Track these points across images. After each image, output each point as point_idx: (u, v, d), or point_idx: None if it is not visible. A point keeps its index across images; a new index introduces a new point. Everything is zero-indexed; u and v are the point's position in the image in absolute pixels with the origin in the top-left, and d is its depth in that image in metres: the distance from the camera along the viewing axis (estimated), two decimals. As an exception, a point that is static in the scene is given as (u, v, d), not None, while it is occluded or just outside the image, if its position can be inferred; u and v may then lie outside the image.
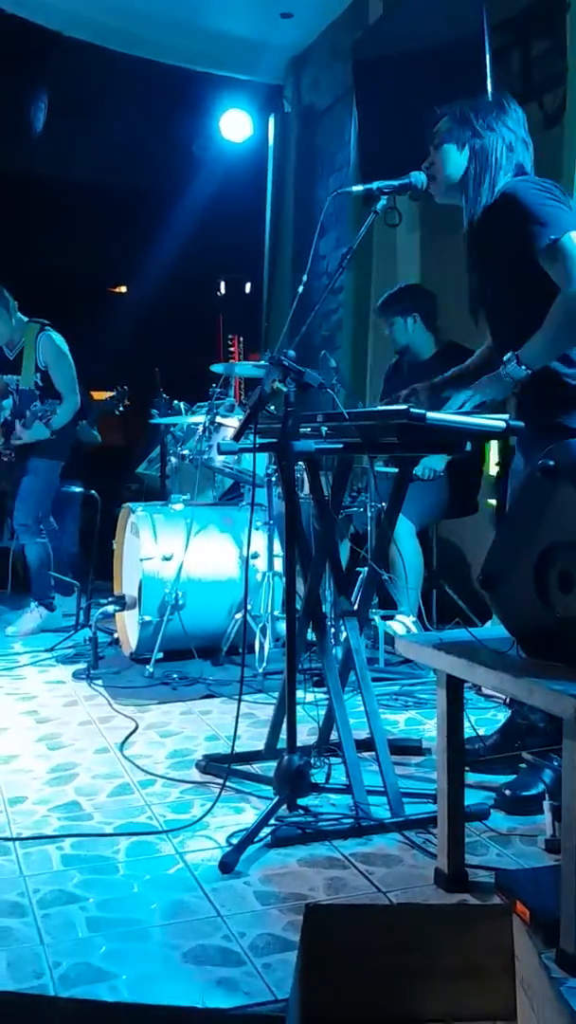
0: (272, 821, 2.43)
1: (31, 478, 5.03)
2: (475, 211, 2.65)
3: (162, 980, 1.81)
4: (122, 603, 4.36)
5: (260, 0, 6.02)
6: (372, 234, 5.96)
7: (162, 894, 2.16)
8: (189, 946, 1.92)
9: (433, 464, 4.31)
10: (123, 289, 10.06)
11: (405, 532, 4.38)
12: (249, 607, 4.29)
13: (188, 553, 4.24)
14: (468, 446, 2.46)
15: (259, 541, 4.37)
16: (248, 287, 8.03)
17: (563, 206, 2.54)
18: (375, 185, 2.63)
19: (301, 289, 2.54)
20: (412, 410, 2.18)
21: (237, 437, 2.49)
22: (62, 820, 2.58)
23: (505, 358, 2.49)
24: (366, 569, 4.33)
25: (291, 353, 2.46)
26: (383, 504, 4.23)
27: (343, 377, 4.65)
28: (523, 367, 2.48)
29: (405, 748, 3.05)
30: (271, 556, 4.27)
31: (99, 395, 6.20)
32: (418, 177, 2.66)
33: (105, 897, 2.14)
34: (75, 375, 5.08)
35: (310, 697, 3.22)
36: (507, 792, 2.60)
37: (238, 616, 4.22)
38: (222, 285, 7.87)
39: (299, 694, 3.14)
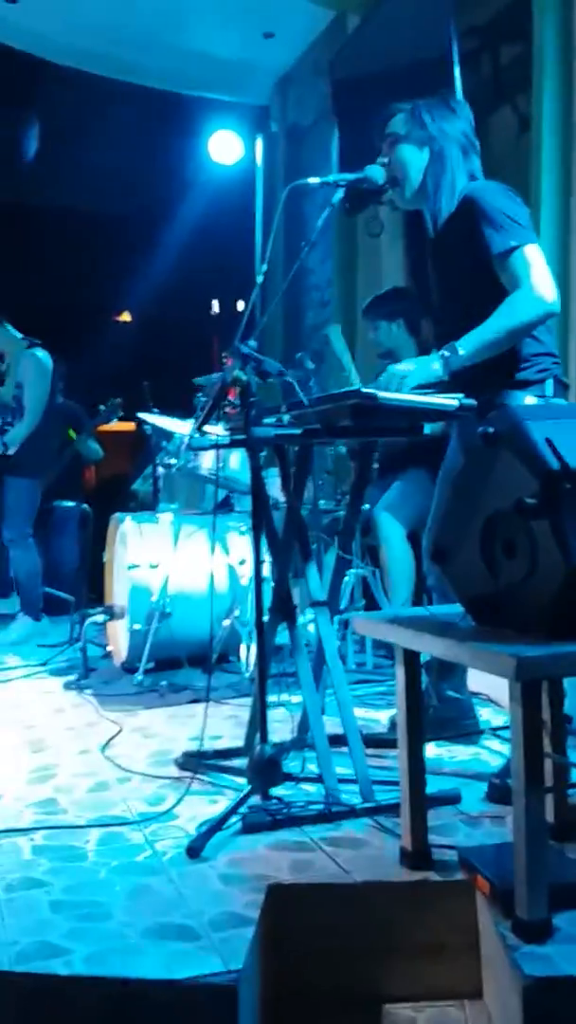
0: (243, 809, 2.43)
1: (12, 495, 5.13)
2: (439, 218, 2.67)
3: (117, 955, 1.81)
4: (111, 612, 4.38)
5: (242, 21, 6.13)
6: (356, 247, 6.02)
7: (127, 879, 2.15)
8: (147, 924, 1.92)
9: None
10: (127, 317, 10.13)
11: (395, 535, 4.37)
12: (238, 613, 4.31)
13: (176, 563, 4.25)
14: (427, 429, 2.46)
15: (247, 548, 4.39)
16: (241, 306, 8.11)
17: (522, 217, 2.56)
18: (331, 178, 2.68)
19: (261, 279, 2.57)
20: (363, 390, 2.20)
21: (200, 427, 2.51)
22: (37, 815, 2.59)
23: (445, 348, 2.50)
24: (355, 570, 4.36)
25: (252, 343, 2.48)
26: (368, 506, 4.25)
27: (323, 380, 4.68)
28: (462, 356, 2.48)
29: (383, 742, 3.03)
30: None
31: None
32: (374, 171, 2.69)
33: (70, 882, 2.14)
34: (44, 397, 5.14)
35: (296, 699, 3.21)
36: (496, 781, 2.57)
37: (226, 623, 4.24)
38: (215, 304, 7.94)
39: (283, 696, 3.17)
